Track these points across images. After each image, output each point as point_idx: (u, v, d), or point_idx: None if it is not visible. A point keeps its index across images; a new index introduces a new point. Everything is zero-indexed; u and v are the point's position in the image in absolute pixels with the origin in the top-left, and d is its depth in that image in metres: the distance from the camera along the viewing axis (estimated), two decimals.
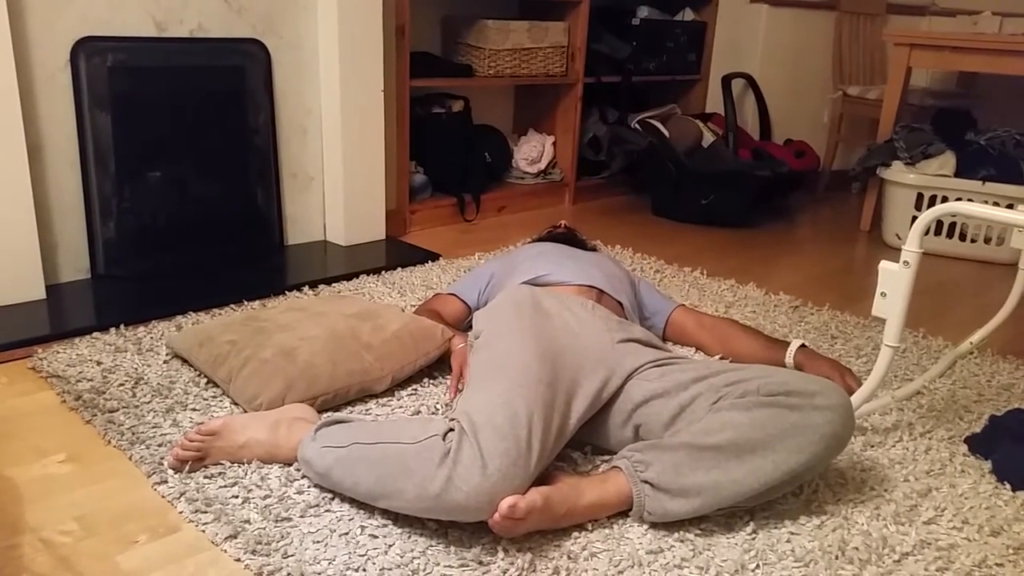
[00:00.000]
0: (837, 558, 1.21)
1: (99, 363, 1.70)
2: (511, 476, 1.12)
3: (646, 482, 1.25)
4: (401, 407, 1.60)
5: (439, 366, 1.74)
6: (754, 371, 1.33)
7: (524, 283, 1.72)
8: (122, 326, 1.88)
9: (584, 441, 1.43)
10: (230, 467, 1.34)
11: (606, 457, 1.43)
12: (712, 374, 1.35)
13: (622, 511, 1.27)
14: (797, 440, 1.23)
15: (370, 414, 1.57)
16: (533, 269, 1.78)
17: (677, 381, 1.36)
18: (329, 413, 1.52)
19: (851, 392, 1.49)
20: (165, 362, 1.73)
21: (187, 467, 1.33)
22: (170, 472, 1.33)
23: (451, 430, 1.18)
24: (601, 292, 1.71)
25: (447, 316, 1.86)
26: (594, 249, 2.04)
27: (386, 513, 1.24)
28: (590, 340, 1.44)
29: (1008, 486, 1.43)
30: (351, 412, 1.57)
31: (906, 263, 1.38)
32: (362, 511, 1.25)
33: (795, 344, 1.74)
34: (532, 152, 3.35)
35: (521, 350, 1.31)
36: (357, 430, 1.28)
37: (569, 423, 1.30)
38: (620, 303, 1.73)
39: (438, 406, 1.60)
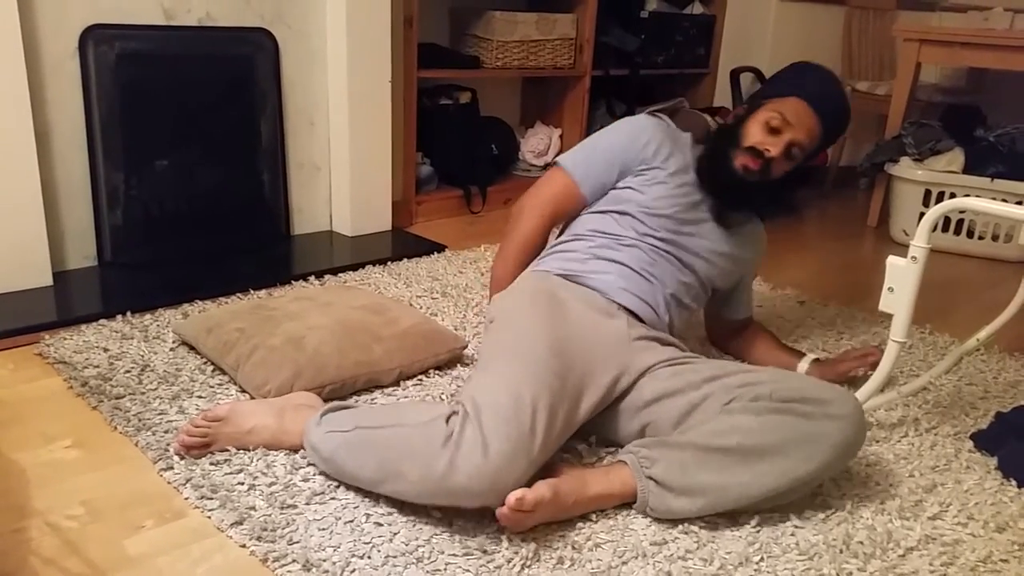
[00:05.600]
0: (841, 552, 1.21)
1: (106, 350, 1.71)
2: (513, 459, 1.12)
3: (651, 479, 1.24)
4: (406, 397, 1.60)
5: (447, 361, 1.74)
6: (768, 374, 1.32)
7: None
8: (128, 313, 1.89)
9: (590, 432, 1.43)
10: (236, 454, 1.35)
11: (611, 449, 1.43)
12: (725, 375, 1.33)
13: (626, 502, 1.27)
14: (808, 449, 1.22)
15: (375, 404, 1.57)
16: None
17: (689, 381, 1.34)
18: (335, 401, 1.53)
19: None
20: (171, 349, 1.73)
21: (193, 452, 1.33)
22: (176, 458, 1.34)
23: (455, 413, 1.18)
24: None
25: (561, 215, 1.67)
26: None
27: (391, 501, 1.24)
28: (606, 334, 1.42)
29: (1014, 482, 1.43)
30: (356, 402, 1.57)
31: (914, 258, 1.38)
32: (367, 499, 1.25)
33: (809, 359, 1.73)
34: (539, 144, 3.34)
35: (532, 338, 1.31)
36: (361, 414, 1.28)
37: (577, 415, 1.29)
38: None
39: (443, 396, 1.60)
